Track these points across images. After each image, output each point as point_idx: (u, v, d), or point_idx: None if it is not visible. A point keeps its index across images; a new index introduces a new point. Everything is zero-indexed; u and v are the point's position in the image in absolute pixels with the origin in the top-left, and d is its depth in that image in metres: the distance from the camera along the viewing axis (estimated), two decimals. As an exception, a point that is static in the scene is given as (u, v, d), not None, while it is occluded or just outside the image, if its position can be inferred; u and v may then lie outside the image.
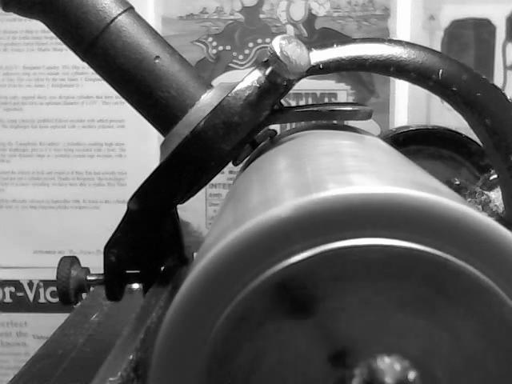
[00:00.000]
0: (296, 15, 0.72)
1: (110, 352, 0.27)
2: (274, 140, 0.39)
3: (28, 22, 0.43)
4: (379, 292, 0.20)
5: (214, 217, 0.75)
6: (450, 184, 0.48)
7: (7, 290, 0.78)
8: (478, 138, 0.40)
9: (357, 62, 0.37)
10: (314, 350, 0.21)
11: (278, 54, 0.34)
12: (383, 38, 0.69)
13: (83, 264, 0.43)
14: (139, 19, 0.40)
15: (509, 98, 0.38)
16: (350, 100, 0.73)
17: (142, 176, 0.38)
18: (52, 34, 0.40)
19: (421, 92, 0.46)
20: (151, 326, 0.30)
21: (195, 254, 0.29)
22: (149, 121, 0.41)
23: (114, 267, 0.39)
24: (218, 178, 0.43)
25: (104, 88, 0.42)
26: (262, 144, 0.39)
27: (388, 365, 0.20)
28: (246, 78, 0.35)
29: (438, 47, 0.72)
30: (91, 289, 0.43)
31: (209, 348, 0.21)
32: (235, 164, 0.40)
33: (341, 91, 0.73)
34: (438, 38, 0.72)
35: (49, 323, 0.73)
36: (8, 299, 0.78)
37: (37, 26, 0.40)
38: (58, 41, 0.40)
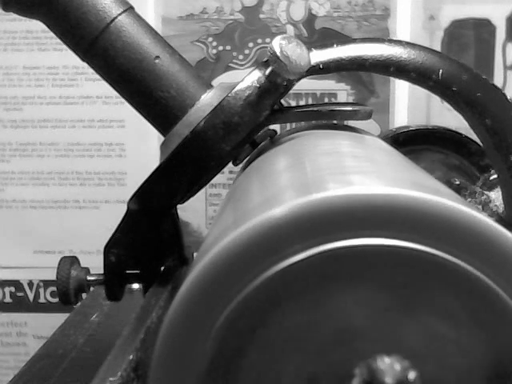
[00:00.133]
0: (296, 15, 0.73)
1: (110, 352, 0.27)
2: (273, 140, 0.39)
3: (28, 21, 0.43)
4: (379, 292, 0.20)
5: (214, 217, 0.75)
6: (449, 184, 0.48)
7: (7, 290, 0.78)
8: (478, 138, 0.40)
9: (357, 62, 0.37)
10: (314, 349, 0.21)
11: (278, 53, 0.34)
12: (383, 37, 0.69)
13: (83, 264, 0.43)
14: (139, 19, 0.40)
15: (509, 97, 0.38)
16: (350, 100, 0.73)
17: (142, 176, 0.38)
18: (52, 34, 0.40)
19: (421, 92, 0.46)
20: (151, 326, 0.30)
21: (195, 254, 0.29)
22: (149, 121, 0.41)
23: (113, 267, 0.39)
24: (218, 178, 0.43)
25: (104, 88, 0.42)
26: (262, 144, 0.39)
27: (388, 365, 0.20)
28: (246, 78, 0.35)
29: (438, 47, 0.72)
30: (91, 289, 0.43)
31: (209, 348, 0.21)
32: (235, 164, 0.40)
33: (341, 91, 0.73)
34: (438, 38, 0.72)
35: (49, 323, 0.73)
36: (8, 299, 0.78)
37: (37, 26, 0.40)
38: (58, 41, 0.40)
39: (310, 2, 0.72)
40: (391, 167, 0.27)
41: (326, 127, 0.38)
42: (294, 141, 0.35)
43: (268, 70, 0.35)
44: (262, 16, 0.73)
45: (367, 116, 0.39)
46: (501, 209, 0.46)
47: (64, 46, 0.40)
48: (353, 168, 0.25)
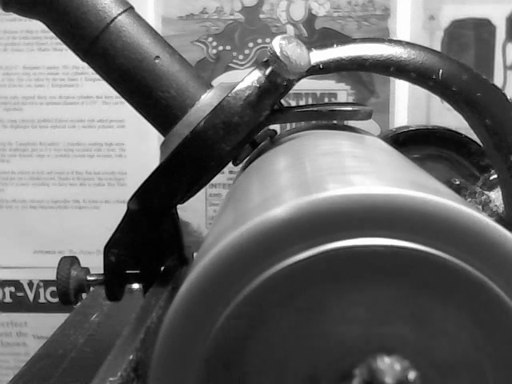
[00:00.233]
0: (296, 15, 0.73)
1: (110, 352, 0.27)
2: (273, 140, 0.39)
3: (28, 21, 0.43)
4: (379, 292, 0.20)
5: (214, 217, 0.75)
6: (450, 184, 0.48)
7: (7, 290, 0.78)
8: (478, 138, 0.40)
9: (357, 61, 0.37)
10: (314, 349, 0.21)
11: (278, 53, 0.34)
12: (383, 37, 0.69)
13: (83, 264, 0.43)
14: (139, 19, 0.40)
15: (509, 98, 0.38)
16: (350, 100, 0.73)
17: (142, 176, 0.38)
18: (52, 34, 0.40)
19: (421, 92, 0.46)
20: (151, 326, 0.30)
21: (195, 254, 0.29)
22: (149, 121, 0.41)
23: (113, 267, 0.39)
24: (218, 178, 0.43)
25: (104, 88, 0.42)
26: (262, 144, 0.39)
27: (388, 365, 0.20)
28: (246, 78, 0.35)
29: (438, 47, 0.72)
30: (91, 289, 0.43)
31: (209, 348, 0.21)
32: (235, 164, 0.40)
33: (341, 91, 0.73)
34: (438, 38, 0.72)
35: (49, 323, 0.73)
36: (8, 299, 0.78)
37: (37, 26, 0.40)
38: (58, 41, 0.40)
39: (310, 2, 0.72)
40: (391, 167, 0.27)
41: (326, 127, 0.38)
42: (294, 141, 0.35)
43: (268, 70, 0.35)
44: (262, 16, 0.73)
45: (367, 116, 0.39)
46: (501, 209, 0.46)
47: (64, 46, 0.40)
48: (353, 168, 0.25)
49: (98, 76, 0.40)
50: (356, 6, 0.72)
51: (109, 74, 0.40)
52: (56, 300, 0.77)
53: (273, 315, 0.21)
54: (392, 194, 0.20)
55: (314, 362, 0.21)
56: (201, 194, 0.44)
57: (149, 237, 0.39)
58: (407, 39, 0.70)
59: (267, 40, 0.72)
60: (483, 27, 0.72)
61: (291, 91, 0.37)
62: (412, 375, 0.20)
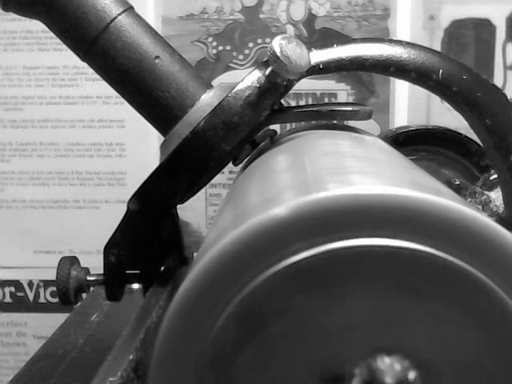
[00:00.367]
0: (296, 15, 0.73)
1: (110, 352, 0.27)
2: (274, 140, 0.39)
3: (28, 22, 0.43)
4: (379, 292, 0.20)
5: (214, 217, 0.75)
6: (450, 184, 0.48)
7: (7, 290, 0.78)
8: (478, 138, 0.40)
9: (357, 61, 0.37)
10: (314, 349, 0.21)
11: (278, 53, 0.34)
12: (383, 37, 0.69)
13: (83, 264, 0.43)
14: (139, 19, 0.40)
15: (509, 98, 0.38)
16: (350, 100, 0.73)
17: (142, 176, 0.38)
18: (52, 34, 0.40)
19: (421, 92, 0.46)
20: (151, 326, 0.30)
21: (195, 254, 0.29)
22: (149, 121, 0.41)
23: (113, 267, 0.39)
24: (218, 178, 0.43)
25: (104, 88, 0.42)
26: (262, 144, 0.39)
27: (388, 365, 0.20)
28: (246, 78, 0.35)
29: (438, 47, 0.72)
30: (91, 289, 0.43)
31: (209, 348, 0.21)
32: (235, 164, 0.40)
33: (341, 91, 0.73)
34: (438, 38, 0.72)
35: (49, 323, 0.73)
36: (8, 299, 0.78)
37: (37, 26, 0.40)
38: (58, 41, 0.40)
39: (310, 2, 0.72)
40: (391, 167, 0.27)
41: (326, 127, 0.38)
42: (294, 141, 0.35)
43: (268, 70, 0.35)
44: (262, 16, 0.73)
45: (367, 116, 0.39)
46: (501, 209, 0.46)
47: (64, 46, 0.40)
48: (353, 168, 0.25)
49: (97, 76, 0.40)
50: (356, 6, 0.72)
51: (109, 74, 0.40)
52: (56, 300, 0.77)
53: (273, 315, 0.21)
54: (392, 194, 0.20)
55: (314, 361, 0.21)
56: (201, 194, 0.44)
57: (149, 237, 0.39)
58: (407, 39, 0.70)
59: (267, 40, 0.72)
60: (483, 27, 0.72)
61: (291, 91, 0.37)
62: (412, 375, 0.20)
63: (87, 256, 0.74)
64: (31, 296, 0.78)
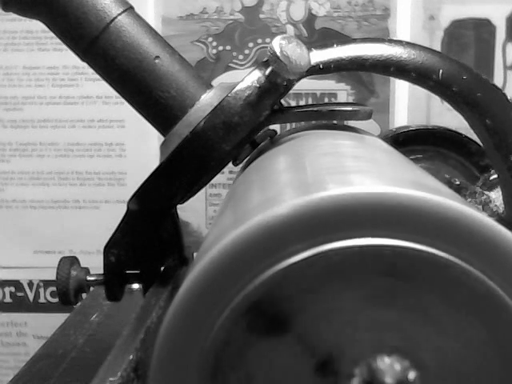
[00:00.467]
0: (296, 15, 0.72)
1: (110, 352, 0.27)
2: (273, 140, 0.39)
3: (28, 22, 0.43)
4: (378, 291, 0.20)
5: (214, 217, 0.75)
6: (450, 184, 0.48)
7: (7, 290, 0.78)
8: (478, 138, 0.40)
9: (357, 61, 0.37)
10: (313, 349, 0.21)
11: (278, 53, 0.34)
12: (383, 37, 0.69)
13: (83, 264, 0.43)
14: (139, 19, 0.40)
15: (509, 97, 0.38)
16: (350, 100, 0.73)
17: (142, 176, 0.38)
18: (52, 34, 0.40)
19: (421, 92, 0.46)
20: (151, 326, 0.30)
21: (195, 254, 0.29)
22: (149, 121, 0.41)
23: (113, 267, 0.39)
24: (218, 178, 0.43)
25: (104, 88, 0.42)
26: (262, 144, 0.39)
27: (388, 365, 0.20)
28: (246, 78, 0.35)
29: (438, 47, 0.72)
30: (91, 289, 0.43)
31: (209, 348, 0.21)
32: (235, 164, 0.40)
33: (341, 91, 0.73)
34: (438, 38, 0.72)
35: (49, 323, 0.73)
36: (8, 299, 0.78)
37: (37, 26, 0.40)
38: (58, 41, 0.40)
39: (310, 2, 0.72)
40: (391, 167, 0.27)
41: (326, 127, 0.38)
42: (294, 141, 0.35)
43: (268, 70, 0.35)
44: (262, 16, 0.73)
45: (367, 116, 0.39)
46: (501, 209, 0.46)
47: (64, 46, 0.40)
48: (353, 168, 0.25)
49: (97, 76, 0.40)
50: (356, 6, 0.72)
51: (109, 74, 0.40)
52: (56, 300, 0.76)
53: (273, 315, 0.21)
54: (392, 194, 0.20)
55: (314, 361, 0.21)
56: (201, 194, 0.44)
57: (149, 237, 0.39)
58: (407, 39, 0.70)
59: (267, 40, 0.72)
60: (483, 27, 0.72)
61: (291, 91, 0.37)
62: (412, 375, 0.20)
63: (87, 256, 0.74)
64: (31, 296, 0.78)
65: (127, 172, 0.75)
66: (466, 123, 0.39)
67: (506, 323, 0.20)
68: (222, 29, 0.73)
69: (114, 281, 0.40)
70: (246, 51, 0.73)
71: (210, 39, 0.73)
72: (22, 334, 0.78)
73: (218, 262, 0.20)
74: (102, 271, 0.40)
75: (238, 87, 0.35)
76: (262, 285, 0.20)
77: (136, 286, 0.41)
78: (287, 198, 0.21)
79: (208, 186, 0.43)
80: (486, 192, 0.47)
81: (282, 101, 0.39)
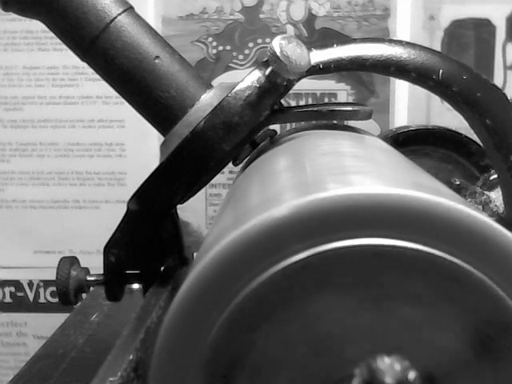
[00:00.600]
0: (296, 15, 0.72)
1: (110, 352, 0.27)
2: (273, 140, 0.39)
3: (28, 22, 0.43)
4: (378, 292, 0.20)
5: (214, 217, 0.75)
6: (450, 184, 0.48)
7: (7, 290, 0.78)
8: (478, 138, 0.40)
9: (357, 61, 0.37)
10: (313, 349, 0.21)
11: (278, 53, 0.34)
12: (383, 37, 0.69)
13: (83, 264, 0.43)
14: (139, 19, 0.40)
15: (509, 97, 0.38)
16: (350, 100, 0.73)
17: (142, 176, 0.38)
18: (52, 34, 0.40)
19: (421, 92, 0.46)
20: (151, 326, 0.30)
21: (195, 254, 0.29)
22: (149, 121, 0.41)
23: (113, 267, 0.39)
24: (218, 178, 0.43)
25: (104, 88, 0.42)
26: (262, 144, 0.39)
27: (388, 365, 0.20)
28: (246, 78, 0.35)
29: (438, 47, 0.72)
30: (91, 289, 0.43)
31: (209, 348, 0.21)
32: (235, 164, 0.40)
33: (341, 91, 0.73)
34: (438, 38, 0.72)
35: (49, 323, 0.73)
36: (8, 299, 0.78)
37: (37, 26, 0.40)
38: (58, 41, 0.40)
39: (310, 2, 0.72)
40: (391, 167, 0.27)
41: (326, 127, 0.38)
42: (294, 141, 0.35)
43: (268, 70, 0.35)
44: (262, 16, 0.73)
45: (367, 116, 0.39)
46: (501, 209, 0.46)
47: (64, 46, 0.40)
48: (353, 168, 0.25)
49: (97, 76, 0.40)
50: (356, 6, 0.72)
51: (109, 74, 0.40)
52: (56, 300, 0.76)
53: (273, 315, 0.21)
54: (392, 194, 0.20)
55: (314, 361, 0.21)
56: (201, 194, 0.44)
57: (149, 237, 0.39)
58: (407, 39, 0.70)
59: (267, 40, 0.72)
60: (483, 27, 0.72)
61: (291, 91, 0.37)
62: (412, 375, 0.20)
63: (87, 256, 0.74)
64: (31, 296, 0.78)
65: (127, 172, 0.75)
66: (466, 123, 0.39)
67: (505, 323, 0.20)
68: (222, 29, 0.73)
69: (113, 281, 0.40)
70: (246, 51, 0.73)
71: (210, 39, 0.73)
72: (22, 334, 0.78)
73: (218, 262, 0.20)
74: (102, 271, 0.40)
75: (238, 87, 0.35)
76: (262, 285, 0.20)
77: (136, 285, 0.41)
78: (287, 199, 0.21)
79: (208, 186, 0.43)
80: (486, 192, 0.47)
81: (282, 101, 0.39)
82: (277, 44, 0.34)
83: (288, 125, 0.63)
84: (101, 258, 0.39)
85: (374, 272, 0.20)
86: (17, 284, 0.78)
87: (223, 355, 0.21)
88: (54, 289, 0.76)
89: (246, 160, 0.40)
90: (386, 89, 0.72)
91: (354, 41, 0.38)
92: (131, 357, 0.26)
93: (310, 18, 0.72)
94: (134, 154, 0.75)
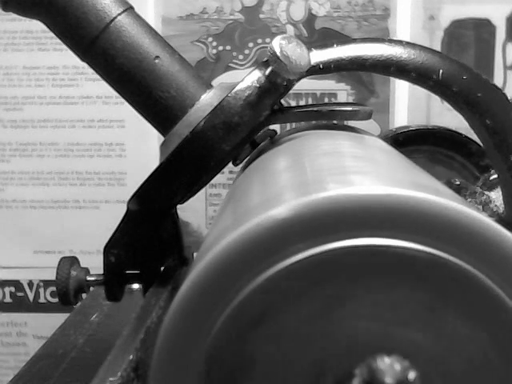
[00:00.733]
0: (296, 15, 0.72)
1: (110, 352, 0.27)
2: (273, 140, 0.39)
3: (28, 22, 0.43)
4: (379, 291, 0.20)
5: (214, 217, 0.75)
6: (450, 184, 0.48)
7: (7, 290, 0.78)
8: (478, 138, 0.40)
9: (357, 61, 0.37)
10: (313, 349, 0.21)
11: (278, 54, 0.34)
12: (383, 37, 0.69)
13: (83, 264, 0.43)
14: (139, 19, 0.40)
15: (509, 97, 0.38)
16: (350, 100, 0.73)
17: (142, 176, 0.38)
18: (52, 34, 0.40)
19: (421, 92, 0.46)
20: (151, 326, 0.30)
21: (195, 254, 0.29)
22: (149, 121, 0.41)
23: (113, 267, 0.39)
24: (218, 178, 0.43)
25: (104, 88, 0.42)
26: (262, 144, 0.39)
27: (388, 365, 0.20)
28: (246, 78, 0.35)
29: (438, 47, 0.72)
30: (91, 289, 0.43)
31: (209, 348, 0.21)
32: (235, 164, 0.40)
33: (341, 91, 0.73)
34: (438, 38, 0.72)
35: (49, 323, 0.73)
36: (8, 299, 0.78)
37: (37, 26, 0.40)
38: (58, 41, 0.40)
39: (310, 2, 0.72)
40: (391, 167, 0.27)
41: (326, 127, 0.38)
42: (294, 141, 0.35)
43: (268, 70, 0.35)
44: (262, 16, 0.73)
45: (367, 116, 0.39)
46: (501, 209, 0.46)
47: (64, 46, 0.40)
48: (353, 168, 0.25)
49: (97, 76, 0.40)
50: (356, 6, 0.72)
51: (109, 74, 0.40)
52: (56, 300, 0.76)
53: (273, 315, 0.21)
54: (392, 194, 0.20)
55: (314, 362, 0.21)
56: (201, 194, 0.44)
57: (149, 237, 0.39)
58: (407, 39, 0.70)
59: (267, 40, 0.72)
60: (483, 27, 0.72)
61: (291, 91, 0.37)
62: (412, 375, 0.20)
63: (87, 256, 0.74)
64: (31, 296, 0.78)
65: (127, 172, 0.75)
66: (466, 123, 0.39)
67: (506, 323, 0.20)
68: (222, 29, 0.73)
69: (113, 281, 0.40)
70: (246, 51, 0.73)
71: (210, 39, 0.73)
72: (22, 334, 0.78)
73: (218, 262, 0.20)
74: (101, 271, 0.40)
75: (238, 87, 0.35)
76: (262, 285, 0.20)
77: (136, 286, 0.41)
78: (287, 199, 0.21)
79: (208, 186, 0.43)
80: (486, 192, 0.47)
81: (282, 101, 0.39)
82: (277, 44, 0.34)
83: (288, 125, 0.63)
84: (101, 258, 0.39)
85: (373, 272, 0.20)
86: (17, 284, 0.78)
87: (223, 355, 0.21)
88: (54, 289, 0.76)
89: (246, 160, 0.40)
90: (386, 89, 0.72)
91: (354, 41, 0.38)
92: (131, 357, 0.26)
93: (310, 18, 0.72)
94: (134, 154, 0.75)
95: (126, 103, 0.41)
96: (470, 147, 0.51)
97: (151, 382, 0.21)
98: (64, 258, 0.42)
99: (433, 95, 0.40)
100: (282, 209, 0.20)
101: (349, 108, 0.38)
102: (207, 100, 0.39)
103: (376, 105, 0.72)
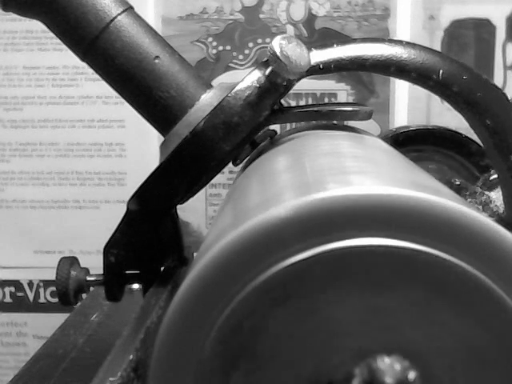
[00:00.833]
0: (296, 15, 0.73)
1: (110, 352, 0.27)
2: (274, 140, 0.39)
3: (28, 22, 0.43)
4: (379, 292, 0.20)
5: (214, 217, 0.75)
6: (450, 184, 0.48)
7: (7, 290, 0.78)
8: (478, 138, 0.40)
9: (357, 62, 0.37)
10: (313, 349, 0.21)
11: (278, 54, 0.34)
12: (383, 37, 0.69)
13: (83, 264, 0.43)
14: (139, 19, 0.40)
15: (509, 97, 0.38)
16: (350, 100, 0.73)
17: (142, 176, 0.38)
18: (52, 34, 0.40)
19: (421, 92, 0.46)
20: (151, 326, 0.30)
21: (195, 254, 0.29)
22: (149, 121, 0.41)
23: (113, 268, 0.39)
24: (218, 178, 0.43)
25: (104, 88, 0.42)
26: (262, 144, 0.39)
27: (388, 365, 0.20)
28: (246, 78, 0.35)
29: (438, 47, 0.72)
30: (91, 289, 0.43)
31: (208, 348, 0.21)
32: (235, 164, 0.40)
33: (341, 91, 0.73)
34: (438, 38, 0.72)
35: (49, 323, 0.73)
36: (8, 299, 0.78)
37: (37, 26, 0.40)
38: (58, 41, 0.40)
39: (310, 2, 0.72)
40: (391, 167, 0.27)
41: (326, 127, 0.38)
42: (294, 141, 0.35)
43: (268, 70, 0.35)
44: (262, 16, 0.73)
45: (367, 116, 0.39)
46: (501, 209, 0.46)
47: (64, 46, 0.40)
48: (353, 168, 0.25)
49: (97, 76, 0.40)
50: (356, 6, 0.72)
51: (109, 74, 0.40)
52: (56, 300, 0.76)
53: (273, 315, 0.21)
54: (392, 194, 0.20)
55: (314, 361, 0.21)
56: (201, 194, 0.44)
57: (148, 237, 0.39)
58: (407, 39, 0.70)
59: (267, 40, 0.72)
60: (483, 27, 0.72)
61: (291, 91, 0.37)
62: (412, 375, 0.20)
63: (87, 256, 0.74)
64: (31, 296, 0.78)
65: (127, 172, 0.75)
66: (466, 123, 0.39)
67: (506, 323, 0.20)
68: (222, 29, 0.73)
69: (113, 281, 0.40)
70: (246, 51, 0.73)
71: (210, 39, 0.73)
72: (22, 334, 0.78)
73: (218, 262, 0.20)
74: (101, 271, 0.40)
75: (237, 87, 0.35)
76: (262, 285, 0.20)
77: (136, 285, 0.41)
78: (287, 199, 0.21)
79: (208, 186, 0.43)
80: (486, 192, 0.47)
81: (282, 101, 0.39)
82: (277, 44, 0.34)
83: (288, 125, 0.63)
84: (101, 258, 0.39)
85: (373, 272, 0.20)
86: (17, 284, 0.78)
87: (223, 355, 0.21)
88: (54, 289, 0.76)
89: (246, 160, 0.40)
90: (386, 89, 0.72)
91: (354, 41, 0.38)
92: (131, 357, 0.26)
93: (310, 18, 0.72)
94: (134, 154, 0.75)
95: (126, 103, 0.41)
96: (470, 147, 0.51)
97: (151, 382, 0.21)
98: (64, 258, 0.42)
99: (433, 95, 0.40)
100: (282, 209, 0.20)
101: (349, 108, 0.38)
102: (207, 100, 0.39)
103: (376, 105, 0.72)
